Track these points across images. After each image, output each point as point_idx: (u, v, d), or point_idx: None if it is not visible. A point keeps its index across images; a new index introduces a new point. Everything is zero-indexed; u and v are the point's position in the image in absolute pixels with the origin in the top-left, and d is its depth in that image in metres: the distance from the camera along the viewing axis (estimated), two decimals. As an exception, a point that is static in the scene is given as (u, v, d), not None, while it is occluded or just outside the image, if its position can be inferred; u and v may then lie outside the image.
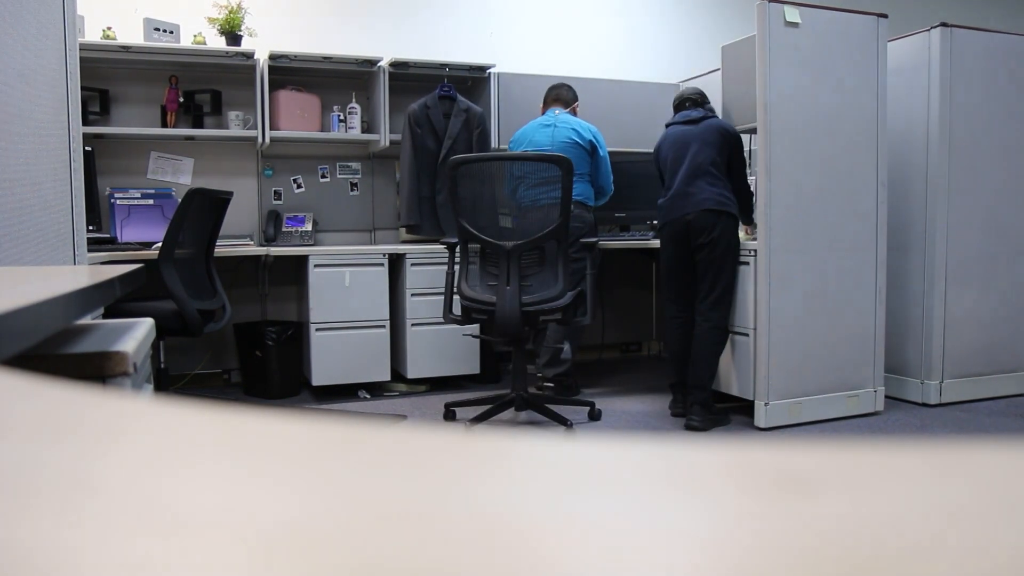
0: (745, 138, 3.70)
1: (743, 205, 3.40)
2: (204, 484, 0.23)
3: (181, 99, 4.06)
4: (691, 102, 3.51)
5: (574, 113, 3.90)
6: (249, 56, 4.02)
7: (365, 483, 0.23)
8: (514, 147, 3.85)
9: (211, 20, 4.02)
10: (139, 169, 4.11)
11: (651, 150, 3.62)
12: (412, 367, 3.96)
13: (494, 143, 4.38)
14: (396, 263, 4.01)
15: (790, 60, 3.28)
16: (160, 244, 3.09)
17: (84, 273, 1.39)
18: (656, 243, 4.21)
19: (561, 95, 3.92)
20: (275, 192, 4.36)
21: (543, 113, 3.89)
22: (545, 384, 3.86)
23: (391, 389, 4.03)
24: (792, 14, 3.27)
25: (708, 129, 3.38)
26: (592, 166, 3.74)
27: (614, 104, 4.57)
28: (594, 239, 3.41)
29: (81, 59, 2.55)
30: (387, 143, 4.24)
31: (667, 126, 3.56)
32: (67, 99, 2.40)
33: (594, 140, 3.73)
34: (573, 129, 3.72)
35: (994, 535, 0.19)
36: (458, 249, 3.30)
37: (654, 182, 3.68)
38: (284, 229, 4.25)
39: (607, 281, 4.92)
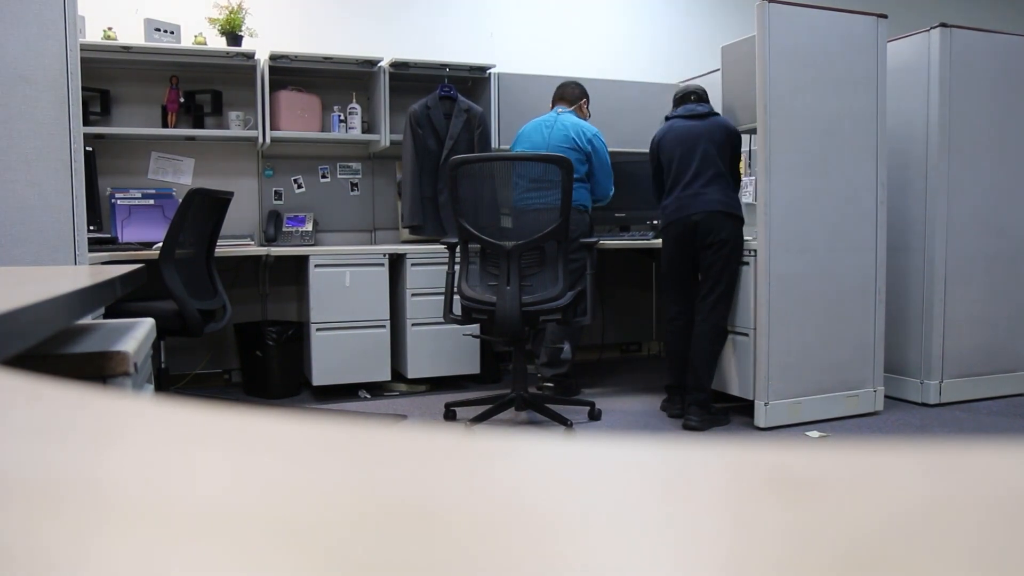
0: (745, 138, 3.70)
1: None
2: (205, 484, 0.23)
3: (182, 99, 4.06)
4: (696, 96, 3.48)
5: (579, 112, 3.85)
6: (250, 56, 4.02)
7: (365, 483, 0.23)
8: (514, 146, 3.85)
9: (212, 20, 4.02)
10: (140, 169, 4.11)
11: (641, 149, 3.58)
12: (412, 367, 3.95)
13: (494, 143, 4.38)
14: (396, 263, 4.01)
15: (790, 60, 3.28)
16: (161, 244, 3.09)
17: (84, 273, 1.39)
18: (656, 243, 4.22)
19: (565, 93, 3.88)
20: (275, 192, 4.36)
21: (550, 111, 3.87)
22: (545, 384, 3.86)
23: (391, 389, 4.03)
24: None
25: (715, 127, 3.36)
26: (589, 169, 3.70)
27: (614, 104, 4.57)
28: (593, 239, 3.39)
29: (82, 59, 2.55)
30: (387, 143, 4.24)
31: (667, 119, 3.52)
32: (68, 99, 2.40)
33: (592, 142, 3.68)
34: (570, 130, 3.68)
35: (994, 535, 0.19)
36: (458, 249, 3.30)
37: (645, 183, 3.65)
38: (284, 229, 4.25)
39: (607, 281, 4.92)
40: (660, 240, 3.58)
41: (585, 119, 3.84)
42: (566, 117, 3.76)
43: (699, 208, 3.29)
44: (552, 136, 3.70)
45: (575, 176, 3.49)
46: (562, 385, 3.83)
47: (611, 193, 3.85)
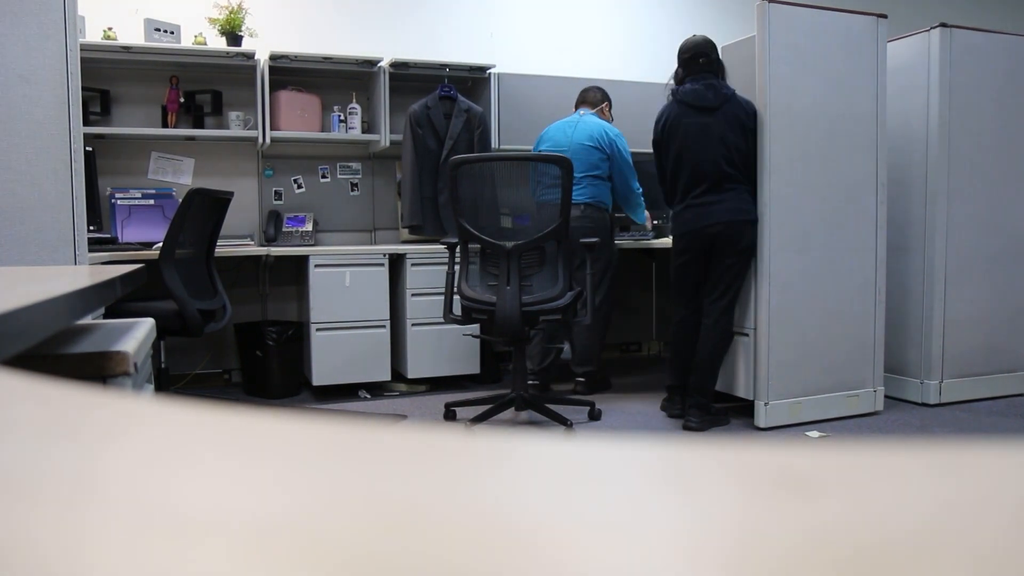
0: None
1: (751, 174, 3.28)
2: (205, 484, 0.23)
3: (182, 99, 4.06)
4: (704, 59, 3.31)
5: (602, 114, 3.96)
6: (249, 56, 4.02)
7: (365, 483, 0.23)
8: (537, 146, 3.93)
9: (212, 20, 4.02)
10: (140, 169, 4.11)
11: (651, 150, 3.54)
12: (412, 367, 3.96)
13: (494, 143, 4.39)
14: (396, 263, 4.01)
15: (790, 60, 3.27)
16: (161, 244, 3.09)
17: (84, 273, 1.39)
18: (656, 243, 4.22)
19: (588, 97, 4.01)
20: (275, 192, 4.36)
21: (574, 113, 3.98)
22: (577, 380, 3.92)
23: (391, 389, 4.03)
24: None
25: (728, 120, 3.21)
26: (610, 167, 3.79)
27: (614, 104, 4.56)
28: (593, 239, 3.31)
29: (82, 59, 2.55)
30: (387, 143, 4.24)
31: (675, 97, 3.35)
32: (68, 99, 2.40)
33: (614, 142, 3.78)
34: (593, 130, 3.79)
35: (993, 535, 0.19)
36: (458, 249, 3.30)
37: (655, 181, 3.61)
38: (284, 229, 4.25)
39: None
40: (663, 240, 3.57)
41: (608, 122, 3.94)
42: (588, 118, 3.87)
43: (717, 219, 3.23)
44: (575, 135, 3.79)
45: (597, 174, 3.71)
46: (592, 379, 3.89)
47: (636, 189, 3.91)
